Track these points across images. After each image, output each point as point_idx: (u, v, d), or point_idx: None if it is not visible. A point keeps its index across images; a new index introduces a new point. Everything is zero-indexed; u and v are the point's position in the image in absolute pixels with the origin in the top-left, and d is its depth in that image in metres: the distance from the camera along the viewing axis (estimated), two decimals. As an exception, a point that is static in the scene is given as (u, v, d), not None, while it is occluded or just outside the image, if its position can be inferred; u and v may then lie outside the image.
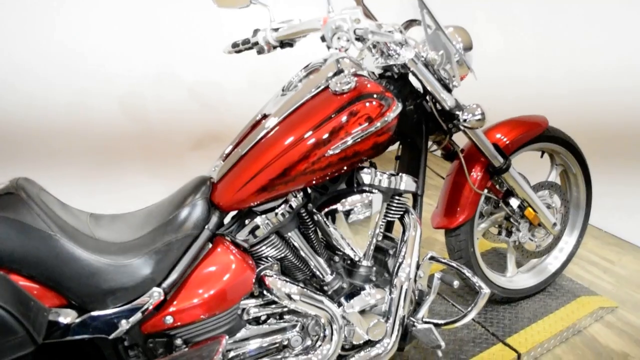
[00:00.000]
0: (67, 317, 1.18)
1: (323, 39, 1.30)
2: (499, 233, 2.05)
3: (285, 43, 1.53)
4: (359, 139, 1.35)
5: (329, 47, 1.31)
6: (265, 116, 1.46)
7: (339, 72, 1.42)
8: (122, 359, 1.30)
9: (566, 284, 2.28)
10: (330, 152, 1.33)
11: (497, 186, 1.91)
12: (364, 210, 1.43)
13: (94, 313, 1.21)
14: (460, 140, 1.75)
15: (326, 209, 1.41)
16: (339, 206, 1.41)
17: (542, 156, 2.10)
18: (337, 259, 1.55)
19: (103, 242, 1.24)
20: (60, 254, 1.15)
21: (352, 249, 1.46)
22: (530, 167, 2.01)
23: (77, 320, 1.19)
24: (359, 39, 1.28)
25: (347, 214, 1.41)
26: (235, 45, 1.59)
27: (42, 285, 1.16)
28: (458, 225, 1.82)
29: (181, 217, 1.31)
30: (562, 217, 2.10)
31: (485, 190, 1.85)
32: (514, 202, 1.89)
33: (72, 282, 1.17)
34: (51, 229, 1.15)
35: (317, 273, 1.48)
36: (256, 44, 1.53)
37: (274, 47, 1.53)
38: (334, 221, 1.42)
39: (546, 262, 2.23)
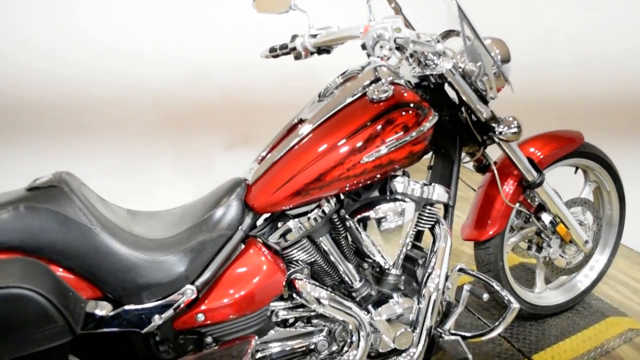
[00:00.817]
0: (103, 309, 1.20)
1: (364, 46, 1.31)
2: (529, 248, 2.02)
3: (323, 49, 1.54)
4: (394, 148, 1.36)
5: (369, 55, 1.32)
6: (301, 121, 1.47)
7: (376, 80, 1.42)
8: (152, 353, 1.32)
9: (595, 303, 2.23)
10: (365, 160, 1.34)
11: (529, 200, 1.88)
12: (396, 218, 1.43)
13: (128, 307, 1.23)
14: (493, 153, 1.74)
15: (358, 216, 1.41)
16: (371, 213, 1.41)
17: (576, 172, 2.07)
18: (366, 266, 1.55)
19: (140, 238, 1.26)
20: (99, 248, 1.18)
21: (382, 256, 1.46)
22: (563, 183, 1.98)
23: (112, 313, 1.21)
24: (399, 48, 1.29)
25: (379, 221, 1.41)
26: (272, 49, 1.61)
27: (79, 277, 1.19)
28: (488, 238, 1.80)
29: (216, 217, 1.33)
30: (594, 235, 2.06)
31: (518, 204, 1.83)
32: (546, 218, 1.86)
33: (110, 275, 1.19)
34: (92, 222, 1.18)
35: (346, 279, 1.48)
36: (294, 49, 1.54)
37: (311, 53, 1.54)
38: (365, 228, 1.42)
39: (576, 280, 2.19)
